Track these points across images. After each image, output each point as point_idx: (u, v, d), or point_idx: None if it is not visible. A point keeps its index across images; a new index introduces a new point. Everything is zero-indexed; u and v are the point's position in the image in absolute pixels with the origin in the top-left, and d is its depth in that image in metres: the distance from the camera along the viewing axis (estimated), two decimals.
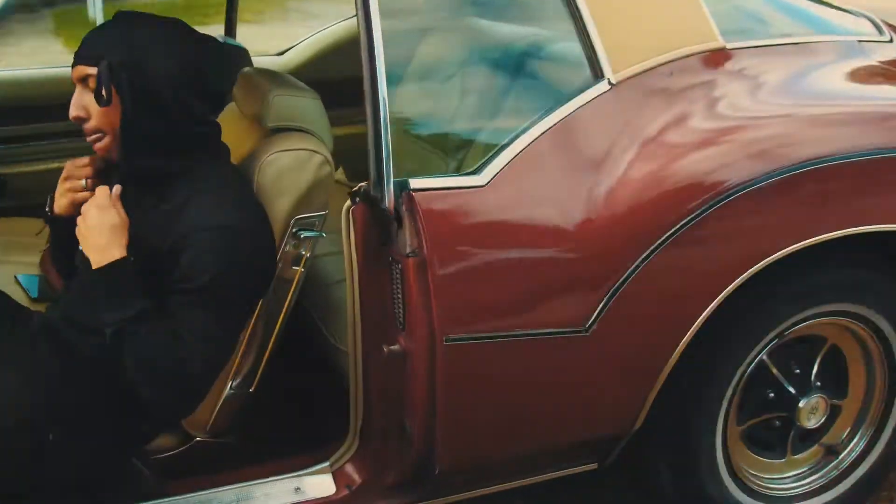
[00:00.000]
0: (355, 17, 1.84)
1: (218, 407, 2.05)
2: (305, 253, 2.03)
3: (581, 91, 1.95)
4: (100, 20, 7.04)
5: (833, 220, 2.02)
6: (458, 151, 2.05)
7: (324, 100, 2.13)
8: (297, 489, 2.01)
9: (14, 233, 2.68)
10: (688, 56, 2.07)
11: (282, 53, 3.43)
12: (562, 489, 2.26)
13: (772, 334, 2.11)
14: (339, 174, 2.98)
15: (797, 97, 2.13)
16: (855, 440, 2.33)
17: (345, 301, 1.94)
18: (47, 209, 1.99)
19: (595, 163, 1.91)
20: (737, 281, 1.96)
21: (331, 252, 2.39)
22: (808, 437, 2.30)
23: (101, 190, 1.82)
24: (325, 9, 7.10)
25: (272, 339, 2.08)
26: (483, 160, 1.86)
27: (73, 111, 1.83)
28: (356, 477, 2.02)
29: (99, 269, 1.74)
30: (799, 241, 1.97)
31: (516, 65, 2.20)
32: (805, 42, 2.27)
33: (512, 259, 1.84)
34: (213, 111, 1.93)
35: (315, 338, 2.33)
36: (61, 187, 1.95)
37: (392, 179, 1.80)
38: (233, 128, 2.09)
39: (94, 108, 1.81)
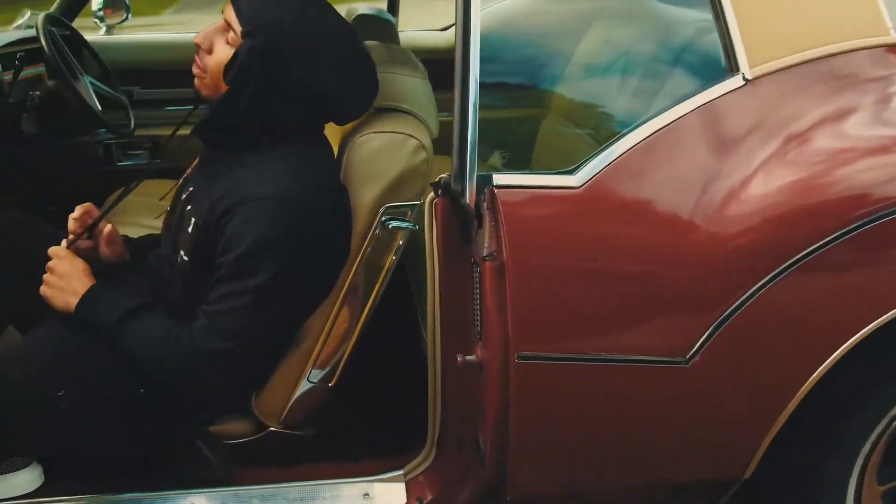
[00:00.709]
0: None
1: (293, 399, 1.94)
2: (398, 242, 1.88)
3: (708, 86, 1.70)
4: None
5: None
6: (553, 147, 1.84)
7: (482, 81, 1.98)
8: (366, 495, 1.89)
9: (149, 194, 2.69)
10: (852, 51, 1.77)
11: (445, 29, 3.29)
12: None
13: None
14: (496, 159, 2.82)
15: None
16: None
17: None
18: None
19: (714, 169, 1.66)
20: (889, 314, 1.66)
21: None
22: None
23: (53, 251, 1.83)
24: None
25: (357, 330, 1.94)
26: (581, 159, 1.65)
27: (200, 38, 1.78)
28: (428, 491, 1.87)
29: (80, 307, 1.76)
30: None
31: (640, 54, 1.96)
32: None
33: (603, 272, 1.62)
34: (322, 120, 1.85)
35: (411, 332, 2.19)
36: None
37: (475, 173, 1.63)
38: None
39: (218, 56, 1.75)
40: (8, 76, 2.52)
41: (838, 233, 1.62)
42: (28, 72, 2.61)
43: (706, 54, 1.78)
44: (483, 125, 2.69)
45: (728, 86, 1.70)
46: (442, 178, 1.72)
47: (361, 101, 1.83)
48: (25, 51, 2.58)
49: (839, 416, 1.79)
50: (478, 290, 1.66)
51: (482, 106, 2.36)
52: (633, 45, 2.21)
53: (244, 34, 1.68)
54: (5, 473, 1.81)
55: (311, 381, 1.95)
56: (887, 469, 1.87)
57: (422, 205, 1.79)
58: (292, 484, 1.89)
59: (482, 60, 2.82)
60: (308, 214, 1.71)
